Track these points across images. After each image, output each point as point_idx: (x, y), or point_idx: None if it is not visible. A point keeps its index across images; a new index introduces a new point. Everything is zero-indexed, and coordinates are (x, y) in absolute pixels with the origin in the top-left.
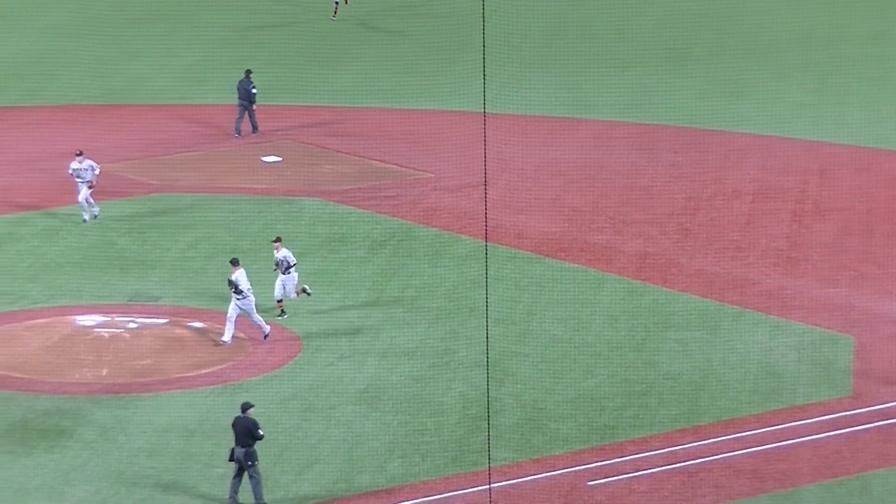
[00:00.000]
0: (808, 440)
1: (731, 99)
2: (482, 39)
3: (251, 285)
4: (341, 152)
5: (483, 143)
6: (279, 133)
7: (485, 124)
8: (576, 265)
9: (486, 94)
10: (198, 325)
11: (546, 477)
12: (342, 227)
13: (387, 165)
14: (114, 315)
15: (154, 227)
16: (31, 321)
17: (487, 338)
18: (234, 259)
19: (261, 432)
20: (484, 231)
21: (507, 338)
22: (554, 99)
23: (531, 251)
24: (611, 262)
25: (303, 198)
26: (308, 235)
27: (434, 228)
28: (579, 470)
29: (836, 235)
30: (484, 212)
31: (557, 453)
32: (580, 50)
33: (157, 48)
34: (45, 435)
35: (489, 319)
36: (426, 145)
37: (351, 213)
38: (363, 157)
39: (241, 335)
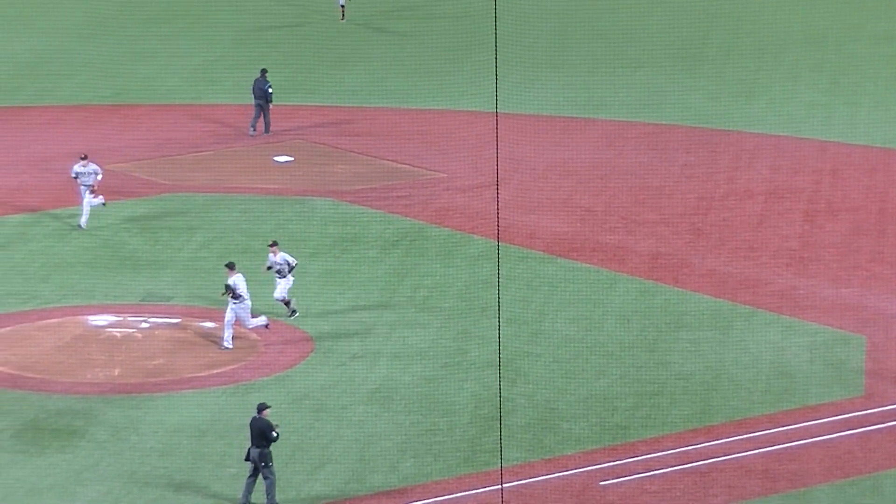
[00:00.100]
0: (820, 440)
1: (744, 99)
2: (494, 40)
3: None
4: (353, 152)
5: (495, 142)
6: (291, 133)
7: (497, 124)
8: (588, 265)
9: (498, 94)
10: (209, 325)
11: (558, 477)
12: (354, 227)
13: (399, 165)
14: (126, 315)
15: (166, 228)
16: (44, 321)
17: (499, 338)
18: (230, 263)
19: (275, 434)
20: (496, 231)
21: (519, 338)
22: (566, 99)
23: (543, 251)
24: (623, 262)
25: (315, 198)
26: (320, 235)
27: (446, 228)
28: (591, 470)
29: (849, 235)
30: (496, 212)
31: (569, 453)
32: (592, 50)
33: (169, 48)
34: (57, 435)
35: (501, 319)
36: (438, 145)
37: (363, 213)
38: (375, 157)
39: (254, 336)
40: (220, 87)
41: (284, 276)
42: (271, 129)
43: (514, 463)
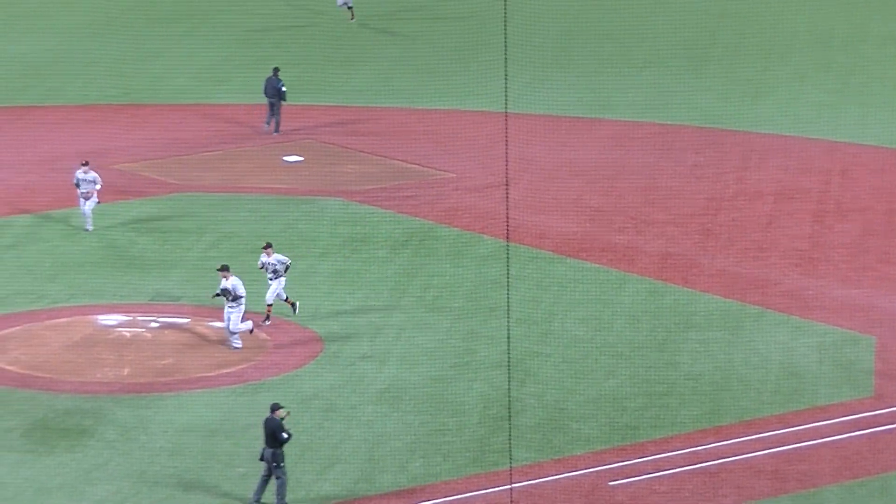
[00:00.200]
0: (829, 441)
1: (752, 99)
2: (503, 40)
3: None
4: (363, 152)
5: (504, 142)
6: (301, 133)
7: (506, 124)
8: (597, 265)
9: (507, 94)
10: (219, 324)
11: (567, 477)
12: (364, 227)
13: (408, 165)
14: (135, 315)
15: (175, 227)
16: (53, 320)
17: (509, 338)
18: (224, 266)
19: (284, 435)
20: (505, 231)
21: (528, 338)
22: (574, 99)
23: (552, 251)
24: (632, 262)
25: (324, 198)
26: (329, 235)
27: (455, 228)
28: (600, 470)
29: (858, 236)
30: (505, 212)
31: (579, 453)
32: (600, 50)
33: (177, 48)
34: (66, 434)
35: (510, 319)
36: (447, 145)
37: (372, 213)
38: (384, 157)
39: (263, 335)
40: (229, 86)
41: (278, 277)
42: (281, 128)
43: (524, 463)
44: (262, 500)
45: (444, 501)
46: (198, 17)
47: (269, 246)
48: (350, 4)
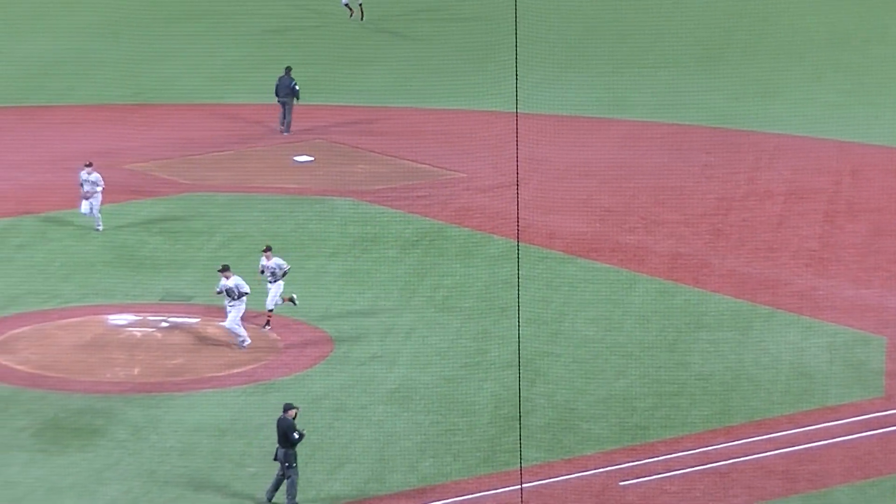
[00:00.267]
0: (840, 441)
1: (764, 99)
2: (514, 40)
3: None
4: (373, 152)
5: (515, 142)
6: (311, 133)
7: (517, 124)
8: (608, 265)
9: (518, 94)
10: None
11: (578, 477)
12: (374, 226)
13: (419, 165)
14: (146, 314)
15: (186, 227)
16: (64, 320)
17: (519, 338)
18: (225, 266)
19: (295, 435)
20: (516, 231)
21: (538, 338)
22: (586, 99)
23: (563, 251)
24: (643, 262)
25: (335, 197)
26: (340, 235)
27: (466, 228)
28: (611, 470)
29: (869, 236)
30: (516, 212)
31: (589, 453)
32: (612, 50)
33: (189, 48)
34: (77, 434)
35: (521, 319)
36: (458, 145)
37: (383, 212)
38: (395, 156)
39: (274, 335)
40: (241, 86)
41: (276, 281)
42: (292, 128)
43: (534, 463)
44: (274, 501)
45: (455, 501)
46: (210, 18)
47: (268, 249)
48: (350, 4)
